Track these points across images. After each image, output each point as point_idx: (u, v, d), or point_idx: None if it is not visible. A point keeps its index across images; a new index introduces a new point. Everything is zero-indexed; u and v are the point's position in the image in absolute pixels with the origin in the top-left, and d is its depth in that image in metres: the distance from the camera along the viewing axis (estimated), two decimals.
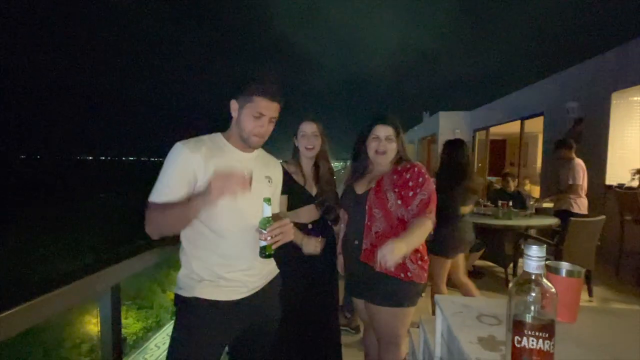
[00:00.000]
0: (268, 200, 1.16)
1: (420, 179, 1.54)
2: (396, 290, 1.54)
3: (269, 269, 1.36)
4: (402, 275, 1.52)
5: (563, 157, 4.06)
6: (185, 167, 1.15)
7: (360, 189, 1.67)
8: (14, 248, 11.23)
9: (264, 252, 1.15)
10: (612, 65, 4.96)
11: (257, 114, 1.19)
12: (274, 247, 1.16)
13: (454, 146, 2.62)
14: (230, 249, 1.21)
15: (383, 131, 1.62)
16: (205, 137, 1.25)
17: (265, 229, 1.13)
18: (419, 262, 1.56)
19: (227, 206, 1.17)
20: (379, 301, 1.56)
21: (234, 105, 1.24)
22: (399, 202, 1.54)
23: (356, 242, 1.61)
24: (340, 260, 1.85)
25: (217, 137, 1.27)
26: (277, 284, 1.40)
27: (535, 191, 7.22)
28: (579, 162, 3.95)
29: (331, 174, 1.93)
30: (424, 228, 1.47)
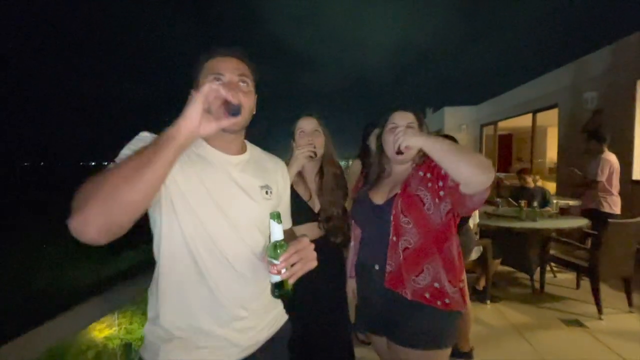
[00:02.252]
0: (277, 217, 0.82)
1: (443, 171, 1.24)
2: (432, 325, 1.20)
3: (274, 316, 1.00)
4: (439, 302, 1.18)
5: (593, 150, 3.73)
6: None
7: (378, 198, 1.34)
8: (18, 254, 11.08)
9: (279, 290, 0.82)
10: (634, 51, 4.60)
11: (213, 74, 0.88)
12: (291, 280, 0.81)
13: None
14: (215, 289, 0.86)
15: (403, 118, 1.32)
16: None
17: (277, 258, 0.79)
18: (460, 285, 1.23)
19: (210, 228, 0.85)
20: (408, 341, 1.20)
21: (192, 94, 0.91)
22: (437, 200, 1.19)
23: (376, 267, 1.28)
24: (351, 285, 1.50)
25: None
26: (284, 336, 1.04)
27: (549, 187, 6.88)
28: (607, 158, 3.61)
29: (337, 181, 1.58)
30: (473, 156, 1.04)
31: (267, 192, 0.97)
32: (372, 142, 2.45)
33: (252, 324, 0.92)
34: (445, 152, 1.05)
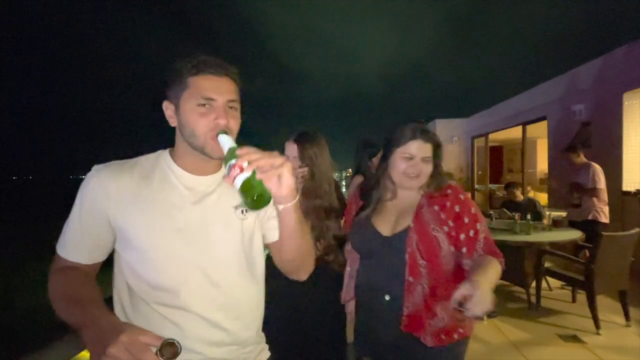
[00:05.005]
0: (224, 132, 0.74)
1: (472, 209, 1.16)
2: (445, 358, 1.14)
3: (255, 355, 0.92)
4: (456, 336, 1.13)
5: (575, 163, 3.84)
6: (94, 208, 0.77)
7: (385, 227, 1.23)
8: (5, 270, 10.78)
9: (250, 195, 0.66)
10: (621, 64, 4.69)
11: (202, 100, 0.78)
12: (259, 176, 0.67)
13: None
14: (183, 338, 0.75)
15: (421, 150, 1.19)
16: (142, 158, 0.86)
17: (234, 158, 0.67)
18: None
19: (176, 271, 0.79)
20: None
21: (167, 108, 0.84)
22: (452, 248, 1.14)
23: (387, 298, 1.18)
24: (350, 307, 1.40)
25: (161, 156, 0.87)
26: None
27: (541, 198, 6.92)
28: (596, 166, 3.69)
29: (319, 215, 1.43)
30: (497, 268, 1.06)
31: (242, 212, 0.89)
32: (374, 163, 2.42)
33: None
34: (495, 280, 1.02)
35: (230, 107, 0.81)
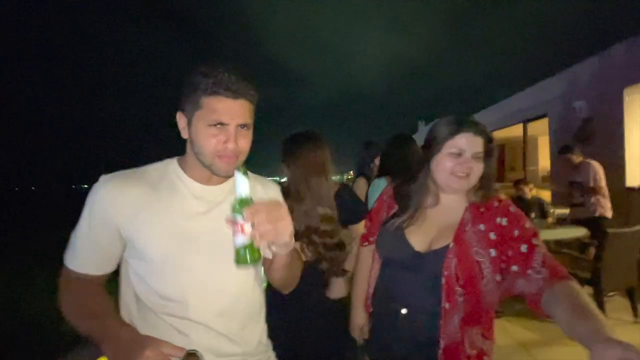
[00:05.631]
0: (244, 172, 0.73)
1: (526, 223, 0.98)
2: None
3: None
4: None
5: (573, 162, 3.83)
6: (103, 219, 0.77)
7: (419, 240, 1.07)
8: (9, 279, 10.77)
9: (242, 257, 0.70)
10: (621, 59, 4.69)
11: (214, 122, 0.76)
12: (257, 242, 0.70)
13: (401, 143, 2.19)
14: (189, 345, 0.78)
15: (471, 144, 1.02)
16: (150, 167, 0.86)
17: (241, 215, 0.69)
18: (492, 335, 1.08)
19: (185, 281, 0.80)
20: None
21: (180, 119, 0.83)
22: (498, 276, 0.96)
23: (403, 311, 1.06)
24: (360, 319, 1.27)
25: (170, 165, 0.87)
26: None
27: (543, 196, 6.89)
28: (593, 162, 3.68)
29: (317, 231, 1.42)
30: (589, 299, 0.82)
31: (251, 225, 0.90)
32: (376, 165, 2.37)
33: None
34: None
35: (242, 131, 0.80)
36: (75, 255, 0.80)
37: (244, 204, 0.70)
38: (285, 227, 0.72)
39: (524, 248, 0.94)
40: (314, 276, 1.41)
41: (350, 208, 1.58)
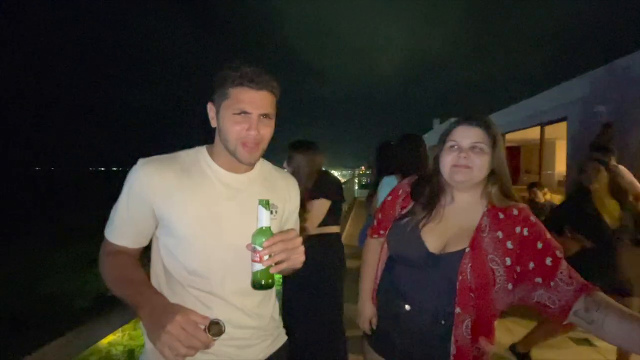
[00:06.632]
0: (266, 204, 0.80)
1: (548, 234, 0.99)
2: None
3: (274, 336, 1.03)
4: None
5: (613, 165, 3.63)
6: (140, 198, 0.85)
7: (434, 241, 1.07)
8: (28, 259, 11.20)
9: (258, 282, 0.79)
10: None
11: (238, 110, 0.85)
12: (273, 270, 0.79)
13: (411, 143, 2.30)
14: (211, 315, 0.86)
15: (466, 135, 1.05)
16: (183, 153, 0.94)
17: (260, 245, 0.78)
18: (494, 339, 1.09)
19: (210, 259, 0.88)
20: None
21: (210, 109, 0.92)
22: (509, 285, 0.98)
23: (407, 308, 1.09)
24: (369, 311, 1.27)
25: (200, 152, 0.95)
26: (283, 354, 1.06)
27: (558, 201, 6.78)
28: (624, 169, 3.54)
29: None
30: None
31: (272, 212, 0.97)
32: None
33: (251, 342, 0.95)
34: None
35: (264, 118, 0.88)
36: (113, 229, 0.88)
37: (263, 234, 0.78)
38: (299, 257, 0.82)
39: (548, 261, 0.94)
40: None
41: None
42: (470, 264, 0.98)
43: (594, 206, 2.44)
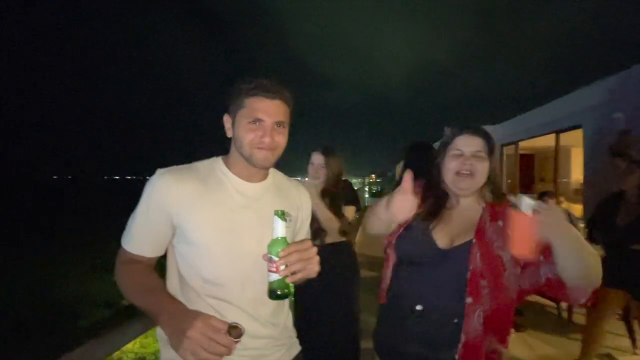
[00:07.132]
0: (281, 214, 0.81)
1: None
2: None
3: (288, 347, 1.02)
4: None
5: (620, 169, 3.58)
6: (159, 207, 0.87)
7: (442, 238, 1.13)
8: (43, 266, 11.38)
9: (274, 291, 0.80)
10: None
11: (253, 118, 0.88)
12: (289, 280, 0.79)
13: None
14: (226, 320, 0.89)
15: (469, 144, 1.13)
16: (198, 164, 0.96)
17: (276, 255, 0.79)
18: (507, 343, 1.11)
19: (229, 267, 0.90)
20: None
21: (227, 120, 0.95)
22: (518, 270, 1.03)
23: (418, 308, 1.09)
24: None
25: (215, 162, 0.97)
26: None
27: (575, 210, 6.62)
28: None
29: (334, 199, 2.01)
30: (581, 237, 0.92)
31: (287, 220, 0.98)
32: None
33: (265, 352, 0.94)
34: (575, 249, 0.89)
35: (278, 126, 0.91)
36: (131, 238, 0.90)
37: (279, 244, 0.80)
38: (314, 267, 0.83)
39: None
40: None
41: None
42: (479, 253, 1.04)
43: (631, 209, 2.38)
